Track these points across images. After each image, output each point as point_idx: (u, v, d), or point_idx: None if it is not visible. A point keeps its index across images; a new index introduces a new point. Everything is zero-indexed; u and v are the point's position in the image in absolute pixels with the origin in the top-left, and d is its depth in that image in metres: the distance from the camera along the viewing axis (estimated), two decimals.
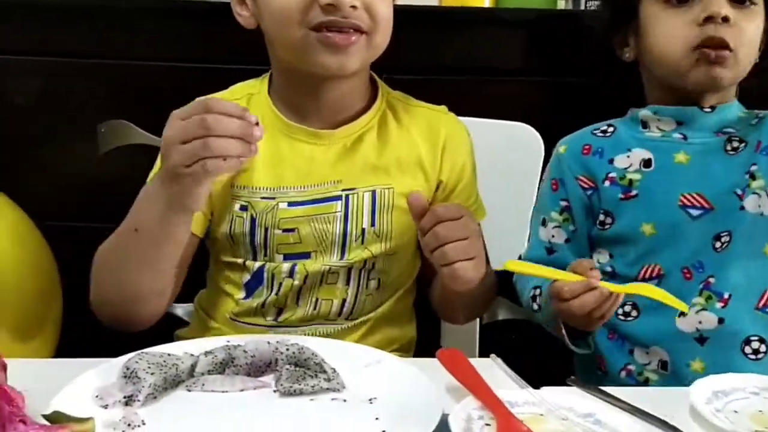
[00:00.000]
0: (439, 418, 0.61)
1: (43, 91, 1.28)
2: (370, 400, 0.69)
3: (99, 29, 1.28)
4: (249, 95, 0.97)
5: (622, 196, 0.96)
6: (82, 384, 0.67)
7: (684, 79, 0.94)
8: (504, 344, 1.19)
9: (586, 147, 1.01)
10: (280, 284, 0.93)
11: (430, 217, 0.81)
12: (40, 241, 1.01)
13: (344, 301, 0.94)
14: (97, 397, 0.66)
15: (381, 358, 0.76)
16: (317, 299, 0.94)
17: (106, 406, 0.65)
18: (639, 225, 0.95)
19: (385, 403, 0.68)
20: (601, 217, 0.98)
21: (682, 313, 0.91)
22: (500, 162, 1.16)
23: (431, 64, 1.18)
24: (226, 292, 0.96)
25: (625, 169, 0.97)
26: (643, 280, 0.94)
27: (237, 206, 0.93)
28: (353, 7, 0.86)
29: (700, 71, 0.92)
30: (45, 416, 0.53)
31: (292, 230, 0.92)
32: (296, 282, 0.92)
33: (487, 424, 0.62)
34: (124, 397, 0.67)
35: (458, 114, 1.09)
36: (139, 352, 0.72)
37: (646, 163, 0.97)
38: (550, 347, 1.10)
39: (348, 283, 0.94)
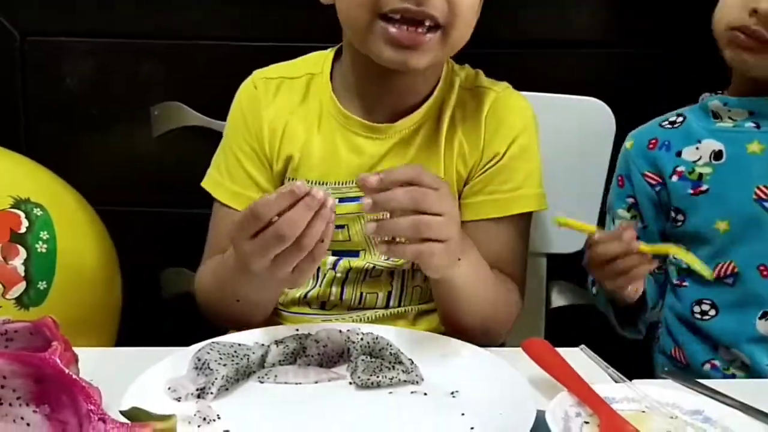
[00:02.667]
0: (534, 415, 0.56)
1: (96, 73, 1.26)
2: (452, 393, 0.65)
3: (151, 10, 1.25)
4: (310, 75, 0.92)
5: (692, 192, 0.91)
6: (154, 376, 0.65)
7: None
8: (572, 332, 1.14)
9: (653, 141, 0.95)
10: (324, 275, 0.89)
11: (403, 173, 0.68)
12: (100, 228, 1.00)
13: (389, 293, 0.89)
14: (169, 389, 0.64)
15: (459, 347, 0.72)
16: (362, 293, 0.89)
17: (179, 399, 0.63)
18: (712, 222, 0.89)
19: (470, 397, 0.64)
20: (673, 213, 0.93)
21: (764, 315, 0.86)
22: (570, 138, 1.10)
23: (497, 38, 1.13)
24: None
25: (695, 162, 0.91)
26: (718, 278, 0.88)
27: None
28: None
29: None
30: (123, 413, 0.51)
31: (341, 227, 0.87)
32: (338, 275, 0.88)
33: (586, 422, 0.57)
34: (197, 390, 0.64)
35: (525, 89, 1.04)
36: (209, 341, 0.70)
37: (717, 155, 0.90)
38: (618, 337, 1.05)
39: (392, 276, 0.88)
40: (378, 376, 0.66)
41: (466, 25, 0.83)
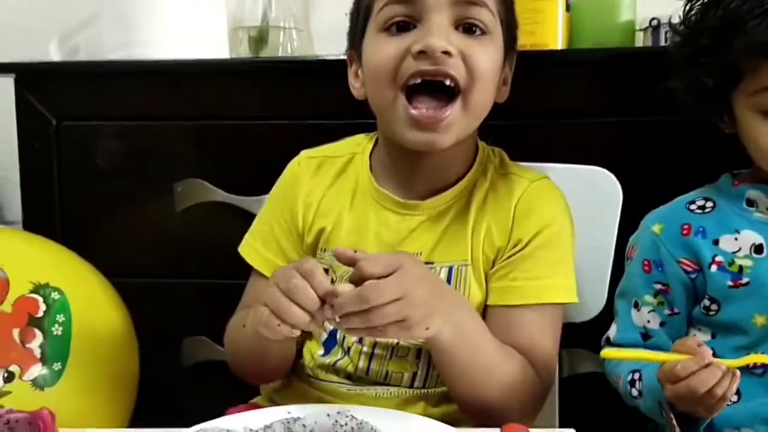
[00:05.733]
0: None
1: (124, 152, 1.34)
2: None
3: (176, 91, 1.33)
4: (352, 154, 0.97)
5: (732, 284, 0.89)
6: None
7: None
8: (586, 400, 1.13)
9: (686, 226, 0.93)
10: (350, 348, 0.91)
11: (356, 274, 0.73)
12: (118, 305, 1.05)
13: (415, 374, 0.90)
14: None
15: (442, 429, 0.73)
16: (387, 371, 0.90)
17: None
18: (751, 316, 0.87)
19: None
20: (707, 302, 0.91)
21: None
22: (576, 209, 1.11)
23: (502, 109, 1.16)
24: (308, 352, 0.95)
25: (734, 253, 0.89)
26: (747, 368, 0.85)
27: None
28: (446, 53, 0.80)
29: None
30: None
31: None
32: (365, 349, 0.90)
33: None
34: None
35: (531, 159, 1.06)
36: (198, 427, 0.73)
37: (758, 248, 0.89)
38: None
39: (419, 357, 0.90)
40: None
41: (486, 89, 0.85)
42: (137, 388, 1.08)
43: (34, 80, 1.34)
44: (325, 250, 0.93)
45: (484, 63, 0.83)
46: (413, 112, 0.82)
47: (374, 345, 0.90)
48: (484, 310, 0.90)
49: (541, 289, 0.88)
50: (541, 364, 0.88)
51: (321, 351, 0.93)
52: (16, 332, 0.88)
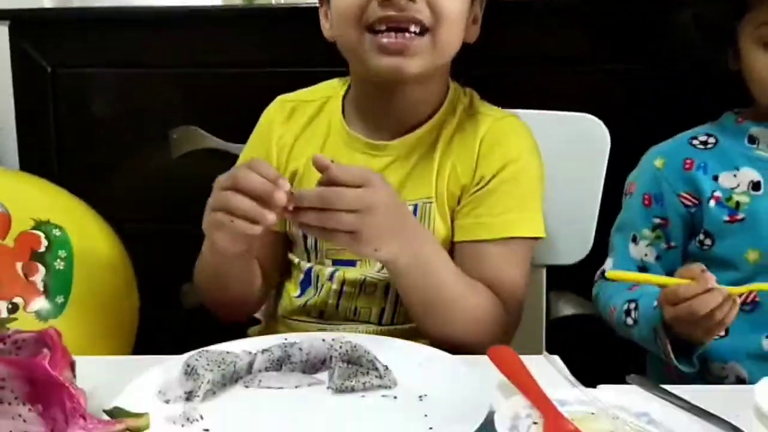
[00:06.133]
0: (485, 415, 0.60)
1: (119, 99, 1.35)
2: (420, 397, 0.70)
3: (170, 39, 1.33)
4: (326, 98, 0.99)
5: (728, 219, 0.92)
6: (147, 380, 0.71)
7: None
8: (572, 342, 1.17)
9: (688, 161, 0.95)
10: (322, 286, 0.94)
11: (324, 177, 0.75)
12: (117, 245, 1.07)
13: (382, 310, 0.93)
14: (159, 392, 0.70)
15: (433, 355, 0.77)
16: (356, 307, 0.93)
17: (168, 401, 0.69)
18: (744, 251, 0.91)
19: (435, 400, 0.68)
20: (701, 236, 0.94)
21: None
22: (564, 155, 1.13)
23: (491, 56, 1.17)
24: (287, 293, 0.99)
25: (732, 189, 0.92)
26: None
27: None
28: None
29: None
30: (105, 411, 0.57)
31: None
32: (334, 287, 0.93)
33: (535, 423, 0.61)
34: (185, 393, 0.70)
35: (519, 106, 1.08)
36: (199, 350, 0.76)
37: (755, 185, 0.92)
38: (620, 344, 1.07)
39: (386, 294, 0.93)
40: (352, 381, 0.71)
41: (453, 29, 0.87)
42: (137, 330, 1.11)
43: (28, 27, 1.34)
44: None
45: (449, 5, 0.85)
46: (382, 39, 0.84)
47: (343, 282, 0.93)
48: (452, 248, 0.92)
49: (507, 223, 0.90)
50: (508, 296, 0.89)
51: (297, 292, 0.97)
52: (19, 266, 0.90)
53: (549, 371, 0.73)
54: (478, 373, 0.70)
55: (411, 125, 0.93)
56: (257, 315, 1.28)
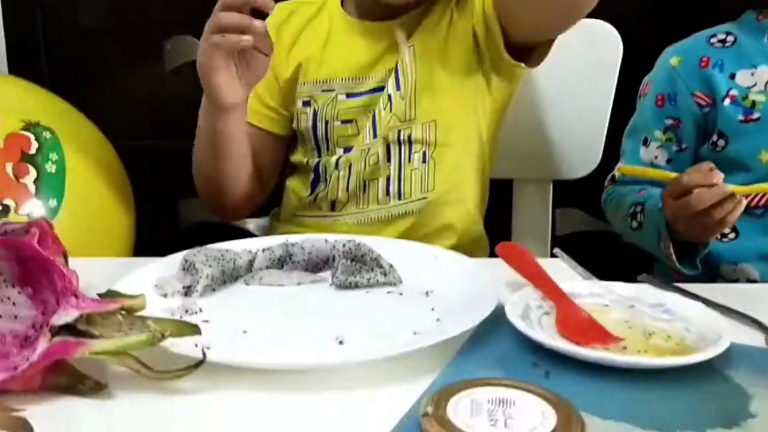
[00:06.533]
0: (493, 306, 0.58)
1: (111, 9, 1.29)
2: (426, 293, 0.67)
3: None
4: (324, 1, 0.99)
5: (742, 118, 0.89)
6: (142, 275, 0.68)
7: None
8: (577, 260, 1.15)
9: (704, 59, 0.92)
10: (329, 176, 0.94)
11: None
12: (110, 152, 1.04)
13: (389, 178, 0.93)
14: (156, 287, 0.67)
15: (438, 254, 0.74)
16: (365, 183, 0.94)
17: (165, 296, 0.67)
18: (757, 152, 0.88)
19: (441, 295, 0.66)
20: (715, 137, 0.91)
21: None
22: (574, 64, 1.09)
23: None
24: (294, 193, 0.99)
25: (749, 88, 0.89)
26: (748, 206, 0.84)
27: (300, 103, 0.96)
28: None
29: None
30: (99, 295, 0.54)
31: (350, 121, 0.93)
32: (342, 173, 0.93)
33: (546, 313, 0.59)
34: (183, 288, 0.68)
35: None
36: (198, 247, 0.73)
37: None
38: (626, 262, 1.05)
39: (389, 159, 0.93)
40: (356, 277, 0.69)
41: None
42: (134, 243, 1.09)
43: None
44: (304, 84, 0.96)
45: None
46: None
47: (350, 166, 0.93)
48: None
49: None
50: None
51: (307, 192, 0.97)
52: (9, 167, 0.87)
53: (559, 270, 0.71)
54: (486, 269, 0.68)
55: (411, 5, 0.93)
56: (255, 231, 1.26)
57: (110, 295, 0.53)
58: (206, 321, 0.62)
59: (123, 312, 0.51)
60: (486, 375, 0.50)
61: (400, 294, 0.68)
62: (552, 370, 0.51)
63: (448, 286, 0.67)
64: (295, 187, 0.99)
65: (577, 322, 0.55)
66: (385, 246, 0.74)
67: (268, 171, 0.99)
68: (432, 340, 0.53)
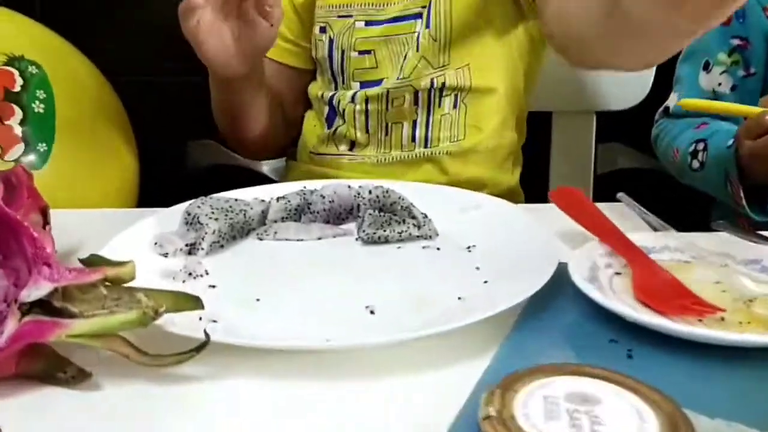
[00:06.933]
0: (555, 266, 0.48)
1: None
2: (468, 248, 0.58)
3: None
4: None
5: None
6: (139, 232, 0.59)
7: None
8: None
9: None
10: (344, 110, 0.85)
11: None
12: (107, 90, 0.94)
13: (415, 123, 0.82)
14: (156, 244, 0.58)
15: (480, 201, 0.64)
16: (387, 124, 0.83)
17: (166, 255, 0.58)
18: None
19: (486, 250, 0.56)
20: None
21: None
22: None
23: None
24: (311, 130, 0.90)
25: None
26: None
27: (317, 29, 0.87)
28: None
29: None
30: (81, 260, 0.45)
31: (368, 52, 0.83)
32: (358, 107, 0.83)
33: (618, 273, 0.49)
34: (187, 245, 0.58)
35: None
36: (201, 198, 0.64)
37: None
38: (677, 200, 0.95)
39: (416, 103, 0.82)
40: (386, 230, 0.59)
41: None
42: (138, 191, 1.00)
43: None
44: (321, 7, 0.87)
45: None
46: None
47: (366, 101, 0.83)
48: None
49: None
50: None
51: (324, 128, 0.88)
52: None
53: (623, 218, 0.61)
54: (538, 220, 0.58)
55: None
56: (270, 174, 1.16)
57: (92, 262, 0.44)
58: (213, 286, 0.53)
59: (107, 283, 0.42)
60: (553, 355, 0.40)
61: (437, 249, 0.58)
62: (635, 348, 0.41)
63: (494, 240, 0.57)
64: (312, 122, 0.90)
65: (659, 286, 0.45)
66: (416, 192, 0.64)
67: (290, 106, 0.91)
68: (486, 309, 0.43)
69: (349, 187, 0.65)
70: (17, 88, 0.79)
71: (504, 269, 0.52)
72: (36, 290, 0.40)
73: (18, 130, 0.78)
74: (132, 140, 0.95)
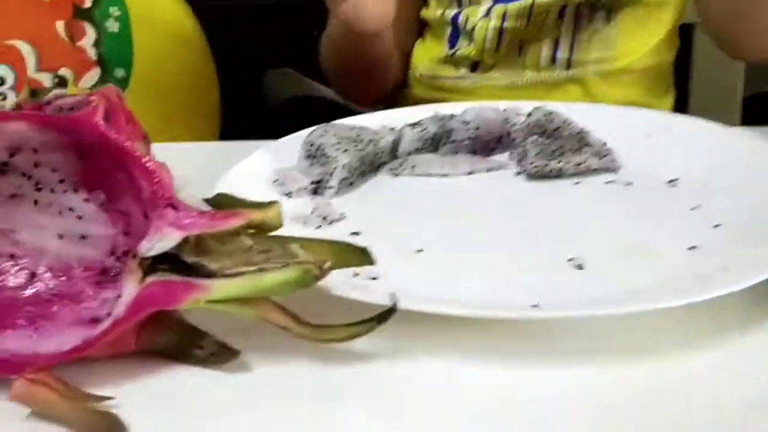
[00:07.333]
0: None
1: None
2: (670, 181, 0.45)
3: None
4: None
5: None
6: (255, 166, 0.49)
7: None
8: None
9: None
10: (474, 27, 0.71)
11: None
12: (184, 9, 0.82)
13: (557, 41, 0.69)
14: (276, 182, 0.48)
15: (669, 122, 0.51)
16: (521, 44, 0.70)
17: (289, 195, 0.47)
18: None
19: (703, 186, 0.44)
20: None
21: None
22: None
23: None
24: (421, 54, 0.77)
25: None
26: None
27: None
28: None
29: None
30: (207, 201, 0.35)
31: None
32: (493, 23, 0.69)
33: None
34: (312, 183, 0.48)
35: None
36: (323, 125, 0.52)
37: None
38: None
39: (562, 17, 0.68)
40: (559, 162, 0.47)
41: None
42: (219, 125, 0.90)
43: None
44: None
45: None
46: None
47: (504, 16, 0.69)
48: None
49: None
50: None
51: (444, 49, 0.75)
52: (60, 26, 0.67)
53: None
54: (761, 145, 0.45)
55: None
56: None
57: (225, 204, 0.34)
58: (356, 233, 0.42)
59: (251, 231, 0.31)
60: None
61: (628, 185, 0.46)
62: None
63: (709, 172, 0.44)
64: (427, 46, 0.76)
65: None
66: (589, 115, 0.51)
67: (404, 34, 0.77)
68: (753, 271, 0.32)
69: (495, 110, 0.53)
70: (88, 4, 0.68)
71: (733, 207, 0.40)
72: (161, 241, 0.30)
73: (91, 53, 0.68)
74: (213, 68, 0.84)
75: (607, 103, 0.69)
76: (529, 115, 0.51)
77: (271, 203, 0.32)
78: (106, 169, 0.34)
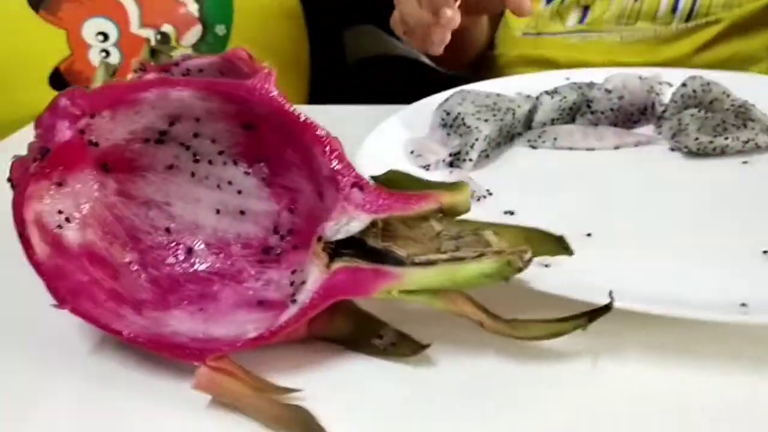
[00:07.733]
0: None
1: None
2: None
3: None
4: None
5: None
6: (387, 135, 0.46)
7: None
8: None
9: None
10: None
11: None
12: None
13: None
14: (412, 153, 0.45)
15: None
16: None
17: (427, 167, 0.44)
18: None
19: None
20: None
21: None
22: None
23: None
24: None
25: None
26: None
27: None
28: None
29: None
30: (374, 178, 0.32)
31: None
32: None
33: None
34: (450, 155, 0.44)
35: None
36: (458, 91, 0.49)
37: None
38: None
39: None
40: (724, 138, 0.43)
41: None
42: (309, 84, 0.87)
43: None
44: None
45: None
46: None
47: None
48: None
49: None
50: None
51: (541, 3, 0.70)
52: None
53: None
54: None
55: None
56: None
57: (395, 180, 0.31)
58: (509, 212, 0.39)
59: (440, 215, 0.29)
60: None
61: None
62: None
63: None
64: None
65: None
66: (747, 85, 0.47)
67: None
68: None
69: (640, 78, 0.49)
70: None
71: None
72: (348, 224, 0.27)
73: (193, 8, 0.65)
74: (305, 28, 0.81)
75: (723, 61, 0.64)
76: (684, 85, 0.47)
77: (459, 184, 0.29)
78: (272, 142, 0.31)
